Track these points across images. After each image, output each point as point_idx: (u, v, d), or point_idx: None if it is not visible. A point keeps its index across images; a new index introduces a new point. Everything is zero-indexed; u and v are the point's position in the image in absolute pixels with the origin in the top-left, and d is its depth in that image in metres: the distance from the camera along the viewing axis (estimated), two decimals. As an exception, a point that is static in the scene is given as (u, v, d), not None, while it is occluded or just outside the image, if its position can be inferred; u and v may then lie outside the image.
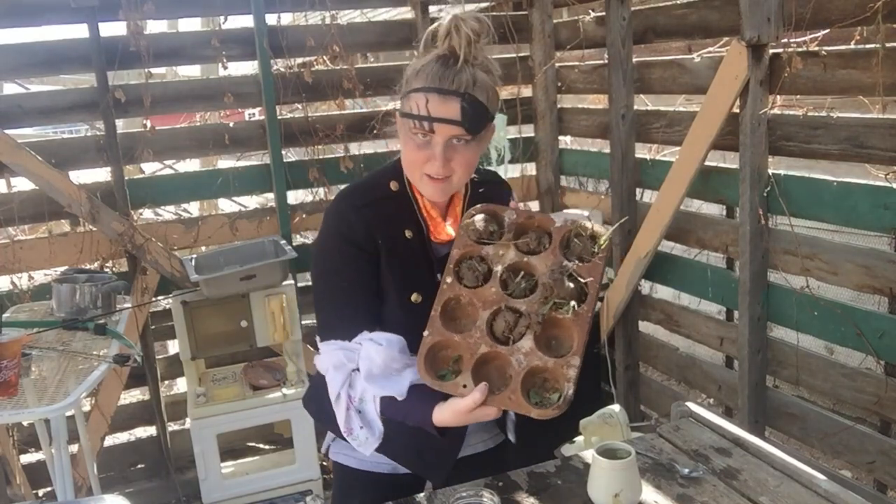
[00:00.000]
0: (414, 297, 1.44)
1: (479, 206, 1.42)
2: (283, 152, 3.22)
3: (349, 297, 1.43)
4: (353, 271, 1.43)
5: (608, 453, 1.31)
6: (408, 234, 1.46)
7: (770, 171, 2.45)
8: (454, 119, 1.34)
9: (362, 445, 1.41)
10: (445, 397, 1.31)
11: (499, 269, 1.34)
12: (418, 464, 1.53)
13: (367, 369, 1.38)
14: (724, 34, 2.62)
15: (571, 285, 1.30)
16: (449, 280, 1.34)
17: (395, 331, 1.41)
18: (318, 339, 1.47)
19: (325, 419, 1.49)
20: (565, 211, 3.59)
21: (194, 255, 3.08)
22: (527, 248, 1.36)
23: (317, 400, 1.50)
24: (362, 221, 1.42)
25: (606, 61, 3.05)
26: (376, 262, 1.43)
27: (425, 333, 1.32)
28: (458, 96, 1.33)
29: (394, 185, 1.47)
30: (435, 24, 1.37)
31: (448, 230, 1.48)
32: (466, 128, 1.35)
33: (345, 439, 1.44)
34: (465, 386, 1.27)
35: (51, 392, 2.03)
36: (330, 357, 1.43)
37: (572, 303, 1.28)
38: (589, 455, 1.39)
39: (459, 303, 1.35)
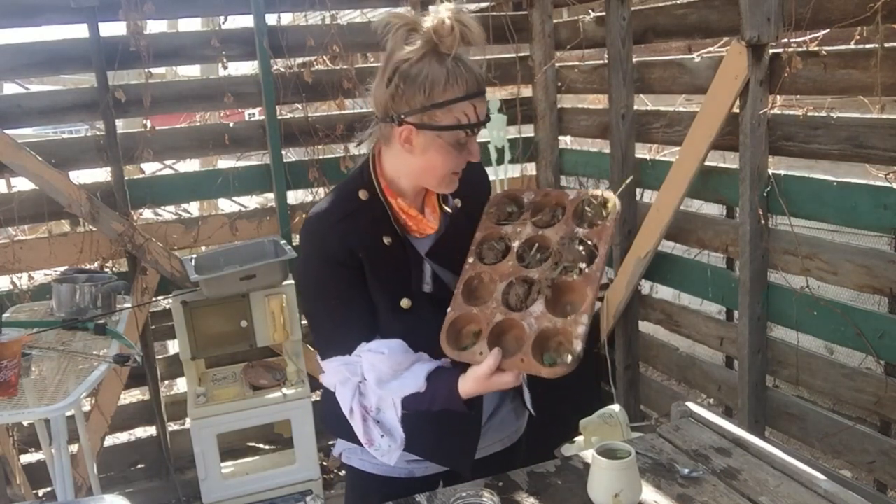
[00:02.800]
0: (404, 302, 1.43)
1: (499, 192, 1.48)
2: (283, 152, 3.22)
3: (342, 314, 1.43)
4: (341, 288, 1.42)
5: (608, 453, 1.31)
6: (386, 241, 1.43)
7: (770, 171, 2.45)
8: (488, 114, 1.38)
9: (385, 455, 1.41)
10: (465, 371, 1.33)
11: (515, 244, 1.40)
12: (442, 455, 1.52)
13: (376, 377, 1.38)
14: (724, 34, 2.62)
15: (581, 249, 1.34)
16: (471, 260, 1.41)
17: (391, 337, 1.41)
18: (318, 359, 1.47)
19: (350, 435, 1.49)
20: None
21: (194, 255, 3.07)
22: (542, 222, 1.42)
23: (336, 418, 1.49)
24: (339, 238, 1.40)
25: (606, 61, 3.05)
26: (362, 274, 1.42)
27: (448, 310, 1.37)
28: (484, 92, 1.37)
29: (363, 195, 1.43)
30: (428, 24, 1.31)
31: (431, 222, 1.47)
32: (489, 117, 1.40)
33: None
34: (481, 353, 1.31)
35: (51, 392, 2.03)
36: (334, 374, 1.43)
37: (580, 265, 1.33)
38: (589, 455, 1.39)
39: (482, 281, 1.40)
